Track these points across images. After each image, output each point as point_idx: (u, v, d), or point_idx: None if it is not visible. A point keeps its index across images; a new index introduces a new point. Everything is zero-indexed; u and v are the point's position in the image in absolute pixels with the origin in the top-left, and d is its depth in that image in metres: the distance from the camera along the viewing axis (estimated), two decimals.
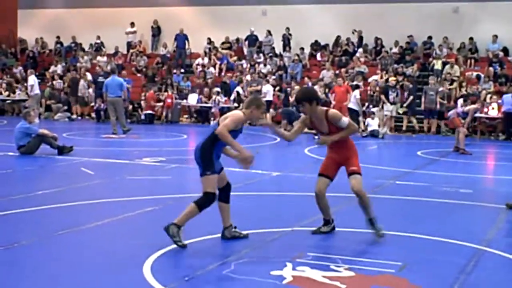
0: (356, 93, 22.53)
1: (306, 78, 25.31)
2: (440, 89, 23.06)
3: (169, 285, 5.64)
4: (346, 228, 8.00)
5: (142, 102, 26.21)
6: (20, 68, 31.83)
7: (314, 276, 6.04)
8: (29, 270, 6.16)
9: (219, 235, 7.30)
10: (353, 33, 28.63)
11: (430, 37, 27.52)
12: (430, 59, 26.75)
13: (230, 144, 6.78)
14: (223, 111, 24.06)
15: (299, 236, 7.67)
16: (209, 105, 25.15)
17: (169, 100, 25.91)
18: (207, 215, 7.21)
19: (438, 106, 22.90)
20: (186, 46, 30.51)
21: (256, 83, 25.49)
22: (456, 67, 25.17)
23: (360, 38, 28.71)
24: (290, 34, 29.38)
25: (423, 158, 15.92)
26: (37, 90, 25.93)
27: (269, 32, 29.52)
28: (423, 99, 23.12)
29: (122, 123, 20.18)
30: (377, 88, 23.49)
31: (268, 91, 24.70)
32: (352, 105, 22.33)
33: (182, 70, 29.01)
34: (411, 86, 23.51)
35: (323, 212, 7.72)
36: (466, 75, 25.09)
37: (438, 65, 25.91)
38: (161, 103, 25.92)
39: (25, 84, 26.97)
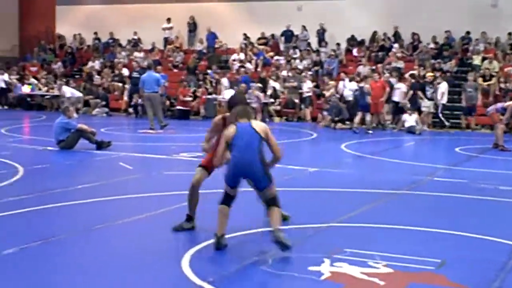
0: (402, 86, 22.48)
1: (342, 74, 25.22)
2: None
3: (207, 280, 5.67)
4: (383, 224, 7.96)
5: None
6: (59, 63, 32.21)
7: (352, 272, 6.02)
8: (66, 264, 6.24)
9: (256, 230, 7.31)
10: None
11: (468, 32, 27.17)
12: (469, 54, 26.44)
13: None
14: (264, 106, 24.19)
15: (336, 232, 7.65)
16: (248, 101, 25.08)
17: (203, 96, 25.98)
18: (244, 211, 7.23)
19: (479, 102, 22.66)
20: (216, 45, 30.67)
21: (294, 80, 25.43)
22: (495, 62, 24.84)
23: (397, 33, 28.48)
24: (324, 30, 29.28)
25: (461, 155, 15.75)
26: (78, 94, 26.32)
27: (304, 28, 29.45)
28: (463, 96, 22.83)
29: (159, 118, 20.31)
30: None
31: (304, 88, 24.71)
32: (397, 98, 22.40)
33: (214, 67, 28.98)
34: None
35: (191, 206, 7.49)
36: (505, 70, 24.74)
37: (477, 60, 25.61)
38: (190, 99, 25.87)
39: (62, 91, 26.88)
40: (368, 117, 21.60)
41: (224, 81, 26.45)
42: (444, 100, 22.73)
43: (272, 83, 25.84)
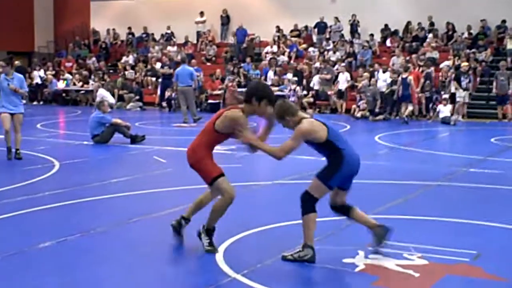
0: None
1: (376, 65, 25.05)
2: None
3: (242, 272, 5.69)
4: (418, 216, 7.90)
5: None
6: (94, 59, 32.49)
7: (387, 264, 5.99)
8: (104, 257, 6.31)
9: (289, 223, 7.30)
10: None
11: (504, 21, 26.78)
12: (504, 41, 26.09)
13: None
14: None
15: None
16: (282, 93, 24.84)
17: (232, 88, 25.97)
18: (276, 204, 7.23)
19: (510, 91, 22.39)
20: (245, 40, 30.72)
21: (327, 71, 25.32)
22: None
23: (431, 23, 28.19)
24: (357, 21, 29.11)
25: (497, 145, 15.57)
26: (111, 100, 24.05)
27: (337, 19, 29.29)
28: (494, 84, 22.58)
29: (193, 112, 20.40)
30: (449, 74, 23.08)
31: (339, 80, 24.60)
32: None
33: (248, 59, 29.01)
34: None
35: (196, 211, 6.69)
36: None
37: (510, 45, 25.28)
38: (220, 92, 25.77)
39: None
40: (410, 107, 21.71)
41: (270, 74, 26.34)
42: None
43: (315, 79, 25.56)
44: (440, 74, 23.55)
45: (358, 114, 22.75)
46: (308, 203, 6.06)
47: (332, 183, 6.07)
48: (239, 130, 6.14)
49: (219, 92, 25.79)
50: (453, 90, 22.29)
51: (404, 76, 21.76)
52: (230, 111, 6.27)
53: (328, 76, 25.10)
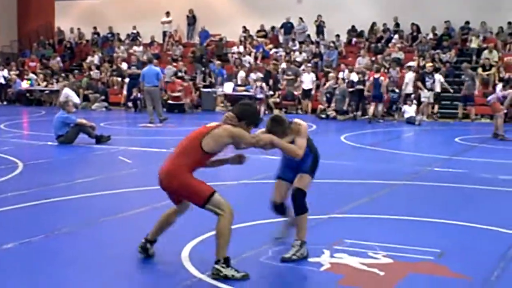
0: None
1: (342, 65, 25.18)
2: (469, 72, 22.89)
3: (207, 272, 5.67)
4: (383, 215, 7.96)
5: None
6: (58, 58, 32.17)
7: (352, 263, 6.02)
8: (70, 258, 6.25)
9: (255, 222, 7.31)
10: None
11: (467, 22, 27.14)
12: (469, 40, 26.45)
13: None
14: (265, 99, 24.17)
15: (336, 223, 7.66)
16: (248, 93, 24.79)
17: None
18: (241, 204, 7.23)
19: (477, 92, 22.70)
20: (207, 42, 30.83)
21: (291, 72, 25.38)
22: (494, 52, 24.81)
23: (396, 24, 28.43)
24: (323, 22, 29.25)
25: (461, 145, 15.75)
26: (76, 99, 21.76)
27: (301, 20, 29.42)
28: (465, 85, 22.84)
29: (158, 112, 20.31)
30: (414, 75, 23.33)
31: (304, 80, 24.65)
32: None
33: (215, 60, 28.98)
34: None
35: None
36: (505, 60, 24.70)
37: (475, 44, 25.71)
38: (180, 94, 25.50)
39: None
40: (380, 108, 22.16)
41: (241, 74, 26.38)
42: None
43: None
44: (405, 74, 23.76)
45: (331, 114, 22.83)
46: (303, 202, 6.20)
47: (315, 174, 6.38)
48: (252, 137, 5.78)
49: (178, 94, 25.51)
50: (409, 91, 22.61)
51: (376, 76, 21.96)
52: (231, 128, 5.68)
53: (293, 77, 25.15)
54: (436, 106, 23.08)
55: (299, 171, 6.31)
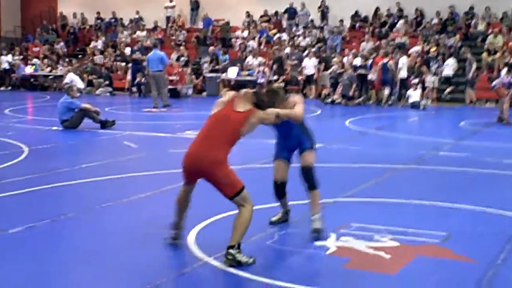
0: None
1: (346, 50, 25.09)
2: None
3: (214, 256, 5.68)
4: (389, 199, 7.96)
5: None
6: (62, 43, 32.13)
7: (358, 246, 6.03)
8: (74, 242, 6.27)
9: (261, 206, 7.30)
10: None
11: (472, 8, 27.02)
12: (475, 23, 26.37)
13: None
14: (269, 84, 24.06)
15: (342, 207, 7.66)
16: (250, 78, 24.78)
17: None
18: (250, 186, 7.19)
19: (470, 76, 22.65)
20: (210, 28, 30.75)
21: (295, 57, 25.29)
22: (499, 36, 24.69)
23: (400, 9, 28.31)
24: (326, 7, 29.16)
25: (466, 129, 15.73)
26: (80, 84, 23.65)
27: (303, 5, 29.33)
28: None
29: (163, 97, 20.29)
30: (419, 59, 23.24)
31: (306, 65, 24.55)
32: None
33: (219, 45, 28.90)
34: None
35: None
36: (510, 45, 24.59)
37: (481, 26, 25.67)
38: (176, 78, 25.35)
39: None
40: (387, 91, 22.28)
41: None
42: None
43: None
44: (410, 59, 23.67)
45: (337, 99, 22.71)
46: (313, 176, 6.47)
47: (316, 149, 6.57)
48: (269, 115, 5.89)
49: (174, 77, 25.31)
50: (402, 76, 22.64)
51: (385, 61, 21.93)
52: (260, 114, 5.81)
53: (295, 62, 25.06)
54: (448, 89, 23.02)
55: (301, 151, 6.52)
